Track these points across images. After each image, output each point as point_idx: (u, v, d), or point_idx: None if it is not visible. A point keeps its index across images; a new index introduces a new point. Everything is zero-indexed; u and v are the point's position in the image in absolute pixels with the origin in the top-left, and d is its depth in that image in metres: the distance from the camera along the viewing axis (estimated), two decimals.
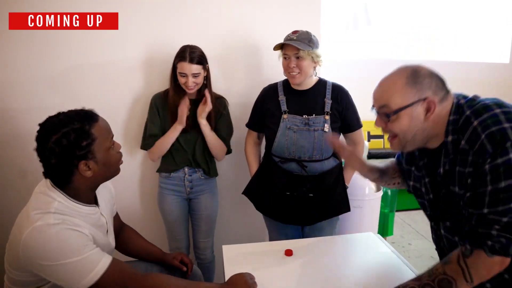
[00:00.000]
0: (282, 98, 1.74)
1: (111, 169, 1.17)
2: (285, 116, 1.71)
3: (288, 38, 1.65)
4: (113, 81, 1.99)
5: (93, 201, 1.21)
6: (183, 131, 1.81)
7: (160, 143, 1.82)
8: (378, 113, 1.05)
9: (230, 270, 1.29)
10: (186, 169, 1.89)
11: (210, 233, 2.01)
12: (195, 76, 1.73)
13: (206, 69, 1.78)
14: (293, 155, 1.70)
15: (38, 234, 1.00)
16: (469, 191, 0.96)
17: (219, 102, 1.88)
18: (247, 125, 1.91)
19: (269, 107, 1.76)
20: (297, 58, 1.63)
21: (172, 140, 1.81)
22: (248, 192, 1.88)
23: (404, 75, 1.00)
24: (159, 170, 1.93)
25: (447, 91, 1.01)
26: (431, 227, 1.21)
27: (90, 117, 1.11)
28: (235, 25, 2.05)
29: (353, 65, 4.38)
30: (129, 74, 2.00)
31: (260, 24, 2.06)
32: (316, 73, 1.75)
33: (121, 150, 1.22)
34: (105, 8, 1.88)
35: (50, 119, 1.09)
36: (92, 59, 1.95)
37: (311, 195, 1.71)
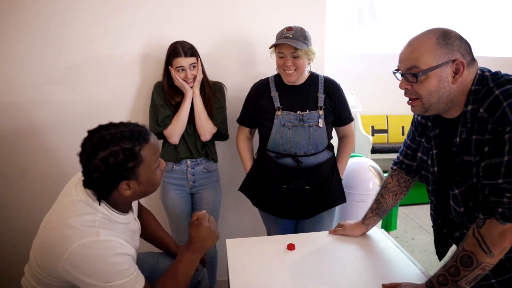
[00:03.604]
0: (274, 94, 1.72)
1: (152, 188, 1.14)
2: (278, 112, 1.69)
3: (283, 36, 1.60)
4: (114, 76, 2.00)
5: (129, 209, 1.21)
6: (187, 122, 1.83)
7: (177, 118, 1.80)
8: (403, 74, 1.04)
9: (233, 263, 1.30)
10: (188, 161, 1.89)
11: None
12: (193, 68, 1.76)
13: (200, 60, 1.81)
14: (288, 151, 1.69)
15: (86, 251, 1.00)
16: (485, 160, 0.96)
17: (216, 86, 1.90)
18: (239, 121, 1.89)
19: (262, 103, 1.74)
20: (294, 57, 1.61)
21: (188, 110, 1.81)
22: (244, 188, 1.88)
23: (435, 35, 0.98)
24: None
25: (473, 58, 1.01)
26: (431, 203, 1.23)
27: (143, 137, 1.06)
28: (240, 21, 2.04)
29: (358, 59, 4.36)
30: (130, 69, 2.01)
31: (265, 18, 2.05)
32: (310, 68, 1.74)
33: None
34: (107, 7, 1.89)
35: (101, 130, 1.03)
36: (94, 56, 1.95)
37: (308, 187, 1.71)
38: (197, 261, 1.20)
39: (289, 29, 1.61)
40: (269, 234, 1.94)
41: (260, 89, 1.78)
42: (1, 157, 2.01)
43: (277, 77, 1.77)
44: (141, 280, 1.10)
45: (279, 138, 1.69)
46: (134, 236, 1.21)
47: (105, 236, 1.03)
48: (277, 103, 1.70)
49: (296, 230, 1.90)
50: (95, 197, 1.09)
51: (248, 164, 1.88)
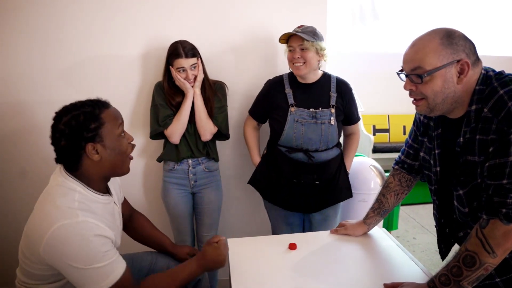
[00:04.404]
0: (288, 91, 1.76)
1: (119, 158, 1.15)
2: (292, 109, 1.73)
3: (293, 31, 1.68)
4: (115, 76, 2.00)
5: (106, 191, 1.23)
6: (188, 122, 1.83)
7: (177, 118, 1.80)
8: (408, 75, 1.03)
9: (235, 263, 1.30)
10: (189, 161, 1.89)
11: (213, 227, 2.01)
12: (193, 68, 1.77)
13: (200, 60, 1.81)
14: (300, 146, 1.73)
15: (66, 232, 1.01)
16: (490, 160, 0.95)
17: (217, 86, 1.90)
18: (250, 112, 1.92)
19: (276, 99, 1.78)
20: (302, 49, 1.66)
21: (188, 110, 1.81)
22: (253, 181, 1.91)
23: (439, 35, 0.97)
24: (162, 159, 1.93)
25: (477, 58, 1.00)
26: (434, 202, 1.23)
27: (102, 103, 1.14)
28: (240, 20, 2.03)
29: (360, 58, 4.35)
30: (131, 69, 2.00)
31: (265, 17, 2.04)
32: (320, 66, 1.77)
33: None
34: (107, 7, 1.89)
35: (65, 106, 1.12)
36: (94, 56, 1.95)
37: (317, 182, 1.75)
38: (197, 276, 1.25)
39: (300, 26, 1.70)
40: (274, 230, 1.95)
41: (274, 86, 1.82)
42: (2, 156, 2.01)
43: (291, 75, 1.81)
44: (121, 265, 1.11)
45: (292, 133, 1.72)
46: (113, 218, 1.22)
47: (83, 217, 1.03)
48: (291, 100, 1.74)
49: (303, 226, 1.94)
50: (69, 176, 1.11)
51: (255, 152, 1.92)
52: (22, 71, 1.91)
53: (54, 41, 1.90)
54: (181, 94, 1.83)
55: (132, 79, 2.02)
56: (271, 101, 1.79)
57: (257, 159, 1.92)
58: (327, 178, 1.78)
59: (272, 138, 1.85)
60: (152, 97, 1.87)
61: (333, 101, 1.74)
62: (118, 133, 1.14)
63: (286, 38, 1.72)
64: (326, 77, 1.80)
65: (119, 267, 1.10)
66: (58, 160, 1.13)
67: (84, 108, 1.09)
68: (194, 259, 1.26)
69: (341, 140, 1.92)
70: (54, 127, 1.10)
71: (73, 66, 1.95)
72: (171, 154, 1.89)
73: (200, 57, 1.81)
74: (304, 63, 1.68)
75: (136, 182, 2.15)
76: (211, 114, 1.85)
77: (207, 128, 1.84)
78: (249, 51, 2.08)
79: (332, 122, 1.72)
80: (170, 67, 1.77)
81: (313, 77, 1.76)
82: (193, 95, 1.80)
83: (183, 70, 1.75)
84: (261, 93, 1.87)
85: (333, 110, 1.73)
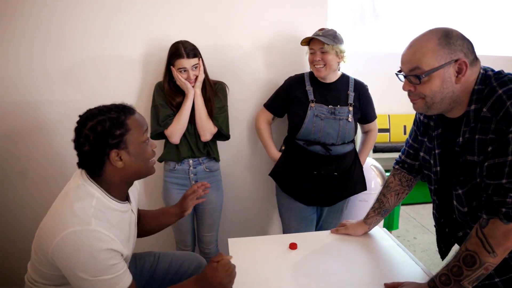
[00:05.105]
0: (309, 88, 1.84)
1: (143, 164, 1.15)
2: (312, 104, 1.81)
3: (314, 34, 1.76)
4: (115, 76, 2.00)
5: (126, 198, 1.22)
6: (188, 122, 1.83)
7: (178, 118, 1.80)
8: (406, 76, 1.03)
9: (235, 263, 1.29)
10: (190, 161, 1.89)
11: (213, 227, 2.01)
12: (194, 68, 1.77)
13: (201, 60, 1.81)
14: (318, 140, 1.79)
15: (75, 239, 0.99)
16: (489, 159, 0.95)
17: (218, 86, 1.90)
18: (266, 106, 1.96)
19: (296, 95, 1.85)
20: (322, 52, 1.74)
21: (189, 110, 1.81)
22: (274, 174, 1.96)
23: (437, 35, 0.97)
24: (162, 159, 1.93)
25: (476, 57, 1.00)
26: (434, 202, 1.23)
27: (127, 109, 1.13)
28: (241, 19, 2.03)
29: (360, 58, 4.34)
30: (131, 69, 2.00)
31: (265, 17, 2.04)
32: (340, 68, 1.85)
33: None
34: (107, 7, 1.89)
35: (89, 110, 1.11)
36: (95, 56, 1.95)
37: (336, 173, 1.83)
38: None
39: (321, 29, 1.79)
40: (288, 226, 1.98)
41: (295, 82, 1.89)
42: (3, 156, 2.01)
43: (312, 74, 1.88)
44: (127, 279, 1.09)
45: (311, 127, 1.78)
46: (128, 228, 1.20)
47: (96, 226, 1.02)
48: (311, 96, 1.82)
49: (318, 221, 2.01)
50: (90, 180, 1.11)
51: (272, 146, 1.97)
52: (22, 71, 1.91)
53: (54, 41, 1.90)
54: (182, 94, 1.82)
55: (132, 79, 2.02)
56: (292, 96, 1.86)
57: (275, 153, 1.97)
58: (344, 170, 1.85)
59: (289, 134, 1.91)
60: (152, 97, 1.87)
61: (350, 100, 1.83)
62: (143, 140, 1.13)
63: (308, 41, 1.79)
64: (344, 77, 1.88)
65: (125, 282, 1.08)
66: (80, 165, 1.12)
67: (110, 113, 1.08)
68: (193, 278, 1.18)
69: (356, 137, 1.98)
70: (78, 131, 1.08)
71: (73, 66, 1.95)
72: (171, 154, 1.89)
73: (201, 57, 1.81)
74: (325, 65, 1.75)
75: (136, 182, 2.15)
76: (211, 114, 1.85)
77: (206, 129, 1.84)
78: (248, 50, 2.08)
79: (350, 119, 1.81)
80: (171, 67, 1.77)
81: (332, 77, 1.84)
82: (194, 95, 1.80)
83: (185, 71, 1.75)
84: (282, 88, 1.93)
85: (350, 108, 1.82)
